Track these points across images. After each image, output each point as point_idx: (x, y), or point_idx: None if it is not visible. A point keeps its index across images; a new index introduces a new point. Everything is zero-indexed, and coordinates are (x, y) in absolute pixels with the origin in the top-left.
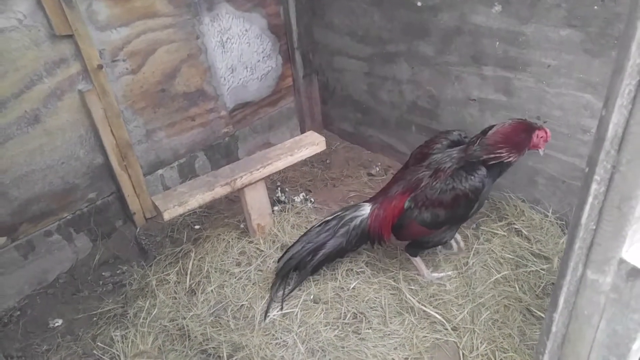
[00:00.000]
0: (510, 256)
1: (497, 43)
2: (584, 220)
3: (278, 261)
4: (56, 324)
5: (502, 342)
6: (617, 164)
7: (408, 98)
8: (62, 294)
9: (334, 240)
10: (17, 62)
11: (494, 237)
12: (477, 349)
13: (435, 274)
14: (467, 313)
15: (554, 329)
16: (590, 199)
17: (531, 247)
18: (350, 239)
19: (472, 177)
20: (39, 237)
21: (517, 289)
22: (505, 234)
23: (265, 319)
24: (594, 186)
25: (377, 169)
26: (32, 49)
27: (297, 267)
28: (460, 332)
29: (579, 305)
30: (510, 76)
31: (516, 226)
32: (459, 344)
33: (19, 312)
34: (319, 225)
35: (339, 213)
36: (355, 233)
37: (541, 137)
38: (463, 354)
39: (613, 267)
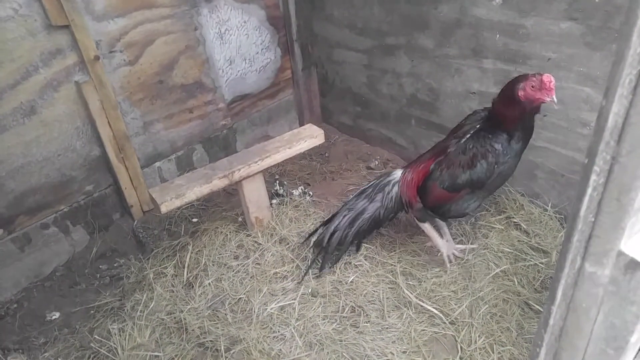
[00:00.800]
0: (509, 250)
1: (498, 36)
2: (582, 212)
3: (313, 234)
4: (53, 317)
5: (500, 336)
6: (616, 155)
7: (408, 91)
8: (60, 286)
9: (372, 205)
10: (13, 52)
11: (492, 231)
12: (475, 342)
13: (459, 246)
14: (465, 307)
15: (551, 321)
16: (589, 191)
17: (530, 241)
18: (386, 203)
19: (491, 138)
20: (36, 229)
21: (516, 282)
22: (504, 227)
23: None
24: (593, 177)
25: (376, 163)
26: (28, 39)
27: (339, 237)
28: (458, 325)
29: (576, 298)
30: (511, 69)
31: (515, 220)
32: (457, 338)
33: (16, 305)
34: (356, 195)
35: (373, 181)
36: (390, 197)
37: (535, 86)
38: (461, 347)
39: (611, 259)
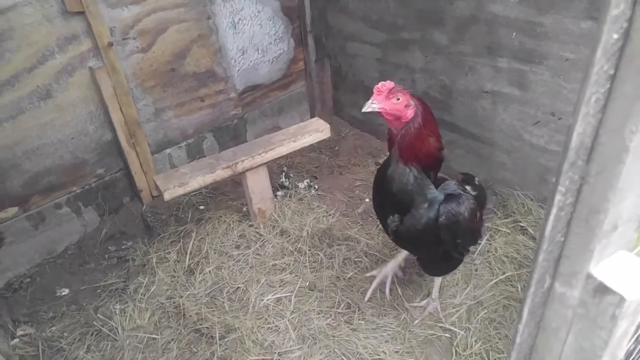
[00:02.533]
0: (514, 255)
1: (514, 34)
2: (547, 232)
3: None
4: (63, 293)
5: (497, 342)
6: (585, 175)
7: (420, 87)
8: (70, 264)
9: None
10: (30, 37)
11: (497, 234)
12: (472, 347)
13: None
14: (464, 311)
15: (518, 339)
16: (554, 210)
17: (536, 248)
18: None
19: None
20: (49, 209)
21: (519, 289)
22: (510, 231)
23: None
24: (558, 197)
25: (385, 159)
26: (45, 24)
27: None
28: (455, 329)
29: (546, 317)
30: (526, 69)
31: (522, 224)
32: (452, 341)
33: (29, 279)
34: None
35: None
36: None
37: None
38: (456, 351)
39: (581, 281)
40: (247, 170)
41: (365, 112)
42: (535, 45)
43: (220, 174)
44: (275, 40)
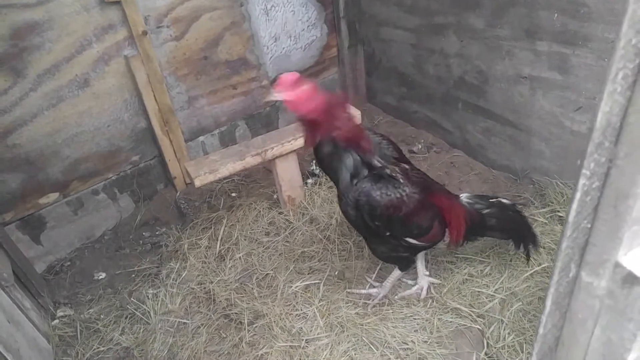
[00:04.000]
0: (551, 246)
1: (556, 15)
2: (572, 217)
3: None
4: (100, 277)
5: (531, 335)
6: (613, 157)
7: (455, 73)
8: (107, 249)
9: None
10: (69, 27)
11: (534, 224)
12: (504, 339)
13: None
14: (497, 302)
15: (541, 330)
16: (578, 195)
17: None
18: None
19: None
20: (88, 195)
21: None
22: (547, 221)
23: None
24: (582, 181)
25: (420, 147)
26: (83, 14)
27: None
28: (487, 320)
29: (573, 308)
30: (568, 52)
31: (560, 214)
32: (484, 333)
33: (69, 263)
34: None
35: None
36: None
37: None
38: (488, 343)
39: (608, 270)
40: (277, 157)
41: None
42: (578, 26)
43: (250, 161)
44: (308, 26)
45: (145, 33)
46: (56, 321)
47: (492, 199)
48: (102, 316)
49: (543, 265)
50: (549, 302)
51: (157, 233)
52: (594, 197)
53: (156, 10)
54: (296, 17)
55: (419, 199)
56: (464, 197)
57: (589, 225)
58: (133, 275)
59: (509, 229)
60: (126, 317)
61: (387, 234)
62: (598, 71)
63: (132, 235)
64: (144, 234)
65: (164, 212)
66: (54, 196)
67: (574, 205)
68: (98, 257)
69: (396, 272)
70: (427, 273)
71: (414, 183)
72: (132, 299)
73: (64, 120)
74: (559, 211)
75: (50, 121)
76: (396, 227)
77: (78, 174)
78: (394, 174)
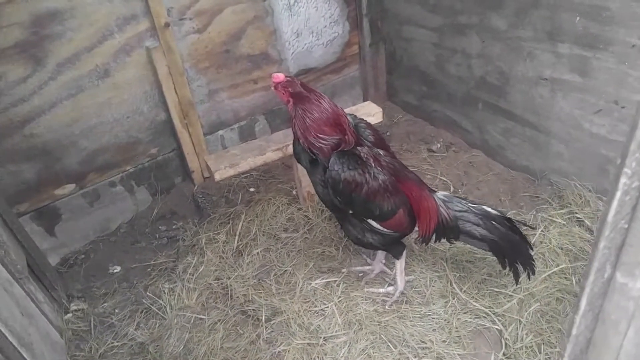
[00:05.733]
0: (569, 247)
1: (578, 18)
2: (610, 217)
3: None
4: (115, 271)
5: (549, 336)
6: None
7: (476, 73)
8: (123, 242)
9: None
10: (91, 16)
11: (552, 225)
12: (522, 340)
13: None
14: (515, 302)
15: (574, 331)
16: (619, 194)
17: (593, 240)
18: None
19: None
20: (104, 187)
21: (574, 282)
22: (565, 223)
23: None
24: (623, 180)
25: (439, 146)
26: (105, 4)
27: None
28: (505, 320)
29: (606, 309)
30: (589, 55)
31: (578, 216)
32: (502, 333)
33: (83, 256)
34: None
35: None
36: None
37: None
38: (506, 344)
39: None
40: None
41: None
42: (600, 30)
43: (271, 156)
44: (330, 23)
45: (167, 25)
46: (69, 315)
47: (474, 204)
48: (116, 310)
49: (561, 267)
50: (583, 303)
51: (173, 227)
52: (633, 197)
53: (179, 2)
54: (319, 14)
55: (383, 180)
56: (440, 194)
57: (626, 226)
58: (149, 270)
59: (489, 241)
60: (141, 312)
61: (350, 212)
62: (618, 75)
63: (148, 229)
64: (160, 227)
65: (181, 206)
66: (70, 187)
67: (614, 205)
68: (113, 251)
69: (397, 262)
70: (384, 262)
71: (381, 166)
72: (147, 293)
73: (82, 111)
74: (576, 213)
75: (68, 111)
76: (357, 206)
77: (95, 166)
78: (358, 152)
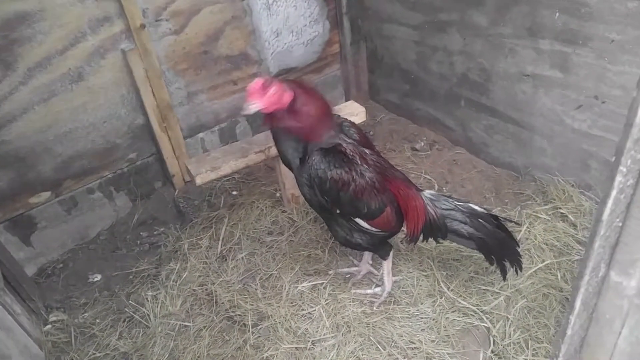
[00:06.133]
0: (554, 242)
1: (557, 14)
2: (606, 216)
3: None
4: (95, 279)
5: (536, 332)
6: None
7: (458, 70)
8: (102, 250)
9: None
10: (62, 18)
11: (537, 221)
12: (510, 336)
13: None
14: (502, 299)
15: (569, 331)
16: (614, 193)
17: (577, 234)
18: None
19: None
20: (82, 193)
21: (559, 277)
22: (550, 218)
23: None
24: (618, 178)
25: (422, 144)
26: (77, 5)
27: None
28: (493, 318)
29: (600, 308)
30: (569, 51)
31: (562, 211)
32: (491, 330)
33: (61, 265)
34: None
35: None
36: None
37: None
38: (494, 340)
39: (639, 270)
40: None
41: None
42: (579, 26)
43: (253, 158)
44: (310, 22)
45: (143, 26)
46: (48, 326)
47: (460, 202)
48: (97, 320)
49: (546, 262)
50: (577, 303)
51: (155, 233)
52: (628, 195)
53: (155, 2)
54: (298, 13)
55: (370, 177)
56: (427, 192)
57: (621, 224)
58: (131, 277)
59: (476, 239)
60: (124, 321)
61: (337, 212)
62: (598, 70)
63: (129, 236)
64: (141, 233)
65: (162, 211)
66: (45, 195)
67: (609, 203)
68: (93, 259)
69: (384, 263)
70: (371, 262)
71: (367, 164)
72: (130, 301)
73: (56, 116)
74: (560, 208)
75: (41, 117)
76: (345, 205)
77: (71, 172)
78: (343, 150)
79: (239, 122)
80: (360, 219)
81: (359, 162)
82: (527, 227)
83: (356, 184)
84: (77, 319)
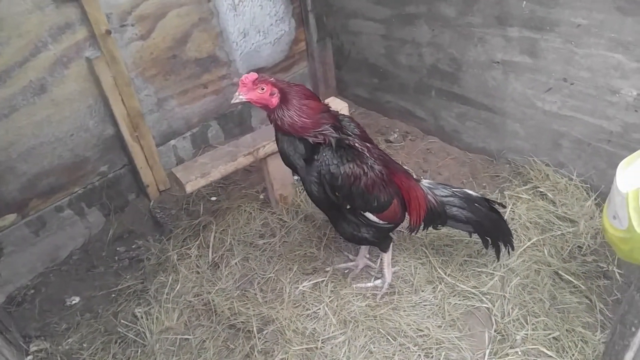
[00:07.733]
0: (537, 220)
1: (525, 2)
2: None
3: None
4: (73, 302)
5: (533, 307)
6: None
7: (428, 61)
8: (77, 270)
9: None
10: (20, 27)
11: (519, 202)
12: (509, 314)
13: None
14: (497, 279)
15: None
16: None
17: (556, 211)
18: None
19: None
20: (50, 212)
21: (545, 253)
22: (531, 197)
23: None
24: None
25: (395, 136)
26: (36, 13)
27: None
28: (492, 298)
29: None
30: (537, 37)
31: (541, 190)
32: (491, 310)
33: (33, 291)
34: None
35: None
36: None
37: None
38: (495, 320)
39: None
40: (269, 155)
41: (235, 103)
42: (546, 12)
43: (242, 161)
44: (276, 21)
45: (108, 32)
46: (30, 357)
47: (456, 188)
48: (85, 345)
49: (533, 240)
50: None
51: (133, 247)
52: None
53: (119, 7)
54: (264, 12)
55: (379, 170)
56: (425, 182)
57: None
58: (114, 295)
59: (473, 223)
60: (115, 342)
61: (348, 207)
62: (565, 54)
63: (105, 252)
64: (118, 249)
65: (138, 223)
66: (10, 218)
67: None
68: (67, 281)
69: (383, 256)
70: (368, 256)
71: (374, 157)
72: (119, 320)
73: (19, 132)
74: (539, 187)
75: (2, 134)
76: (357, 199)
77: (38, 191)
78: (353, 144)
79: (210, 126)
80: (370, 212)
81: (367, 155)
82: (511, 208)
83: (367, 178)
84: (62, 346)
